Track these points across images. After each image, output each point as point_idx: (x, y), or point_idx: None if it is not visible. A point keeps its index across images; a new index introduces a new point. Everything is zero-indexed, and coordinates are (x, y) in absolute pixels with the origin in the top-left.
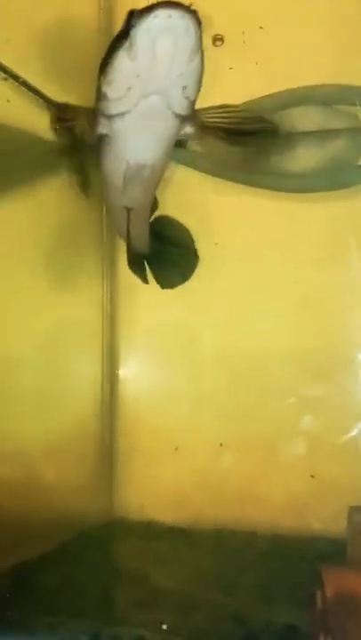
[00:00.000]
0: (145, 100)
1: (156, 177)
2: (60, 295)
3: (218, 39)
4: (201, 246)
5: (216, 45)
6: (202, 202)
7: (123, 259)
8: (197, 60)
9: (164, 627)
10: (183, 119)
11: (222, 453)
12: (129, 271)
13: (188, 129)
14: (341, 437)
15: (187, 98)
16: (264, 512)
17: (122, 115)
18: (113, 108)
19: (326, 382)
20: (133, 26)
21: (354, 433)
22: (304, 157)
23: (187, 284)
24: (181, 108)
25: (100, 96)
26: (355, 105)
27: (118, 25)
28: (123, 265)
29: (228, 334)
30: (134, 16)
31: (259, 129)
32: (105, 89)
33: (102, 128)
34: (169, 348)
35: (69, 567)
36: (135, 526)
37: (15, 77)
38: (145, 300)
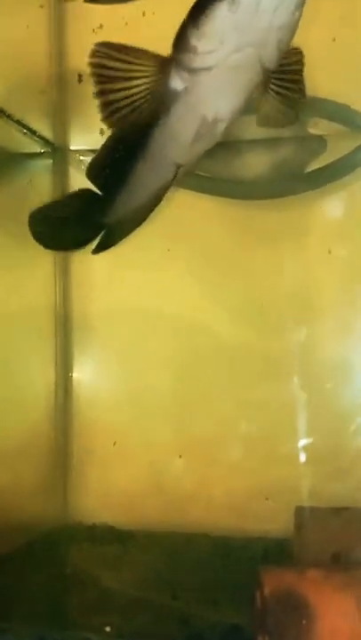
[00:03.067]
0: (238, 53)
1: (224, 133)
2: (9, 295)
3: None
4: (154, 252)
5: None
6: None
7: (76, 255)
8: (299, 12)
9: (108, 629)
10: (265, 74)
11: (177, 458)
12: (82, 268)
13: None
14: (287, 437)
15: (279, 50)
16: (213, 514)
17: (208, 68)
18: (200, 62)
19: (278, 383)
20: None
21: (300, 434)
22: (252, 165)
23: (143, 286)
24: (272, 61)
25: (185, 48)
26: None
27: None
28: (76, 262)
29: (184, 335)
30: None
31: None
32: (195, 42)
33: (179, 82)
34: (124, 349)
35: (19, 571)
36: (87, 530)
37: None
38: (98, 298)
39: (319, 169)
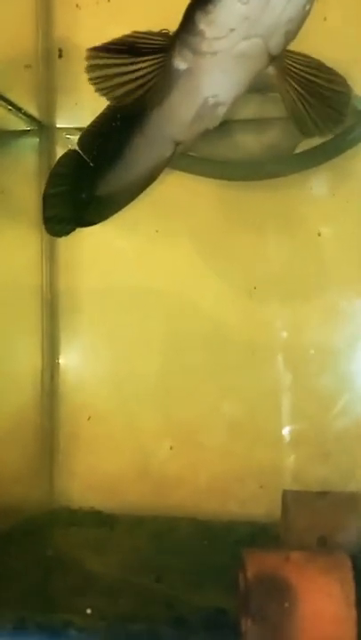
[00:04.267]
0: (245, 42)
1: (226, 114)
2: None
3: None
4: (143, 233)
5: None
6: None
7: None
8: (310, 6)
9: (88, 611)
10: (272, 59)
11: (164, 443)
12: (69, 249)
13: (270, 69)
14: (273, 421)
15: (287, 40)
16: (199, 497)
17: (214, 53)
18: (207, 46)
19: (265, 366)
20: None
21: (286, 418)
22: (242, 145)
23: (131, 268)
24: (278, 49)
25: (191, 31)
26: None
27: None
28: (62, 247)
29: (172, 317)
30: None
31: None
32: (203, 26)
33: (183, 62)
34: (111, 332)
35: (3, 555)
36: (71, 514)
37: None
38: (86, 281)
39: (309, 150)
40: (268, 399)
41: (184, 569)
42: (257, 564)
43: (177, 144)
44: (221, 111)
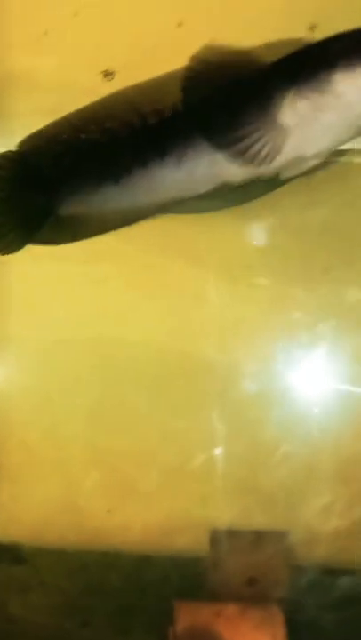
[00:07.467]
0: None
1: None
2: None
3: None
4: (72, 267)
5: None
6: None
7: None
8: None
9: None
10: None
11: (91, 475)
12: None
13: None
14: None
15: None
16: (128, 535)
17: (340, 116)
18: (333, 106)
19: (200, 409)
20: None
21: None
22: None
23: (63, 304)
24: None
25: (323, 90)
26: None
27: None
28: None
29: (102, 352)
30: None
31: None
32: (344, 88)
33: (292, 118)
34: (41, 362)
35: None
36: None
37: None
38: (16, 315)
39: (245, 185)
40: (202, 445)
41: (111, 612)
42: (188, 617)
43: (222, 184)
44: (307, 165)
